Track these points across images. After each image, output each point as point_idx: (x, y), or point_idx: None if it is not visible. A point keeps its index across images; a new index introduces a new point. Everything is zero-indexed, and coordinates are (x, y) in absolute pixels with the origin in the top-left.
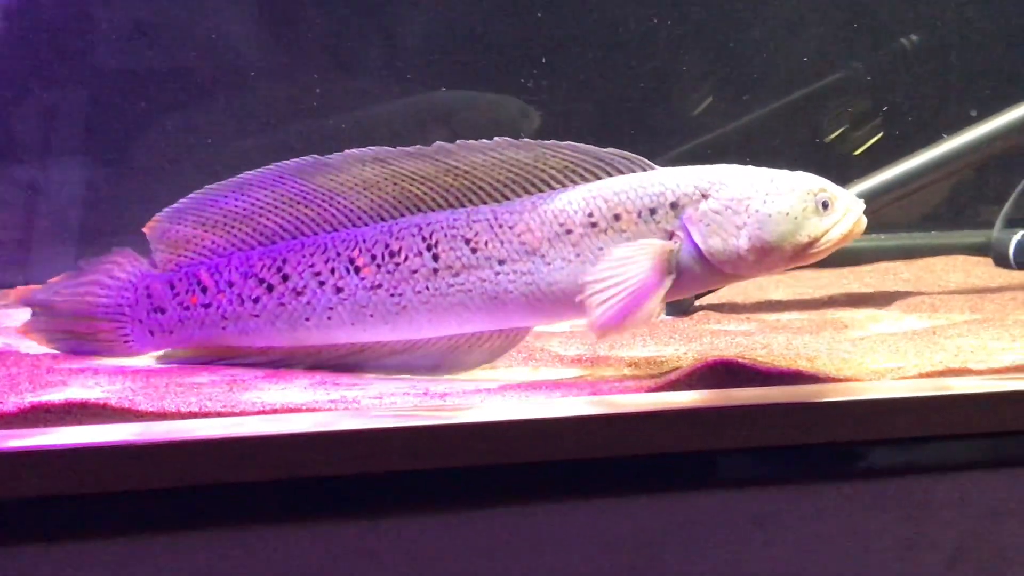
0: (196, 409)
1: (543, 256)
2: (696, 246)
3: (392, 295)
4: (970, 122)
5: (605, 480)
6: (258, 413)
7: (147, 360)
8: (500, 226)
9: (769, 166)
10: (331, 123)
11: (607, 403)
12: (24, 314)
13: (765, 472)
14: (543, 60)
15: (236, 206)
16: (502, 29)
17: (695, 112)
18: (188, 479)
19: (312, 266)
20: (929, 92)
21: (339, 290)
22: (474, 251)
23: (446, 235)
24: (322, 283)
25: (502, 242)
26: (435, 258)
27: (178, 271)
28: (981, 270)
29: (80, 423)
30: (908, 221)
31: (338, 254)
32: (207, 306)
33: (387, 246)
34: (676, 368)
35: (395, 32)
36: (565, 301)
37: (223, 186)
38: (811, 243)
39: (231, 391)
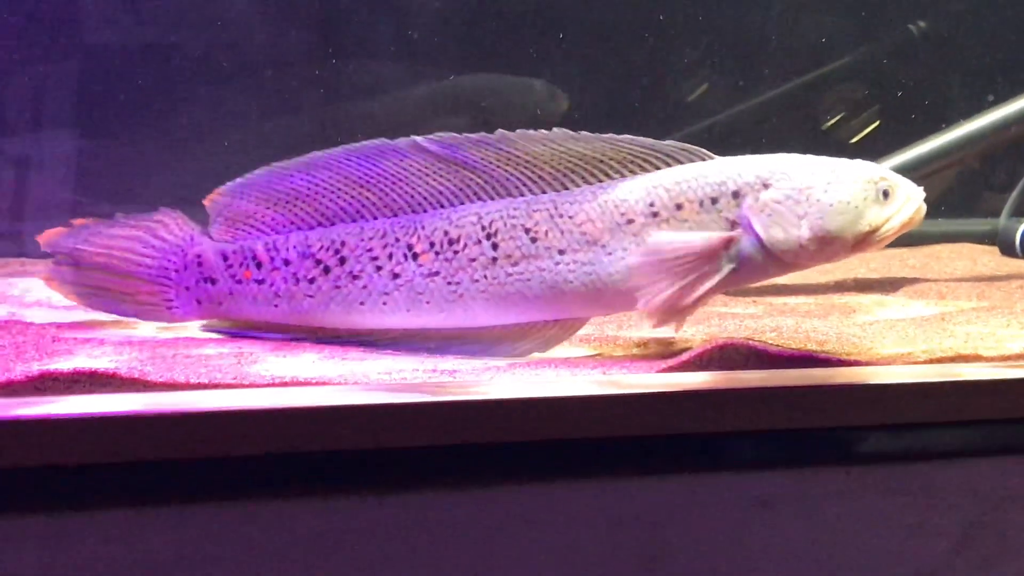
0: (205, 381)
1: (604, 246)
2: (757, 236)
3: (449, 283)
4: (981, 107)
5: (613, 460)
6: (267, 386)
7: (151, 330)
8: (560, 216)
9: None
10: (354, 109)
11: (616, 383)
12: (29, 282)
13: (773, 455)
14: (532, 47)
15: (300, 185)
16: (489, 14)
17: (690, 98)
18: (197, 451)
19: (370, 250)
20: (937, 79)
21: (396, 276)
22: (534, 240)
23: (506, 224)
24: (379, 268)
25: (562, 232)
26: (494, 247)
27: (232, 243)
28: (987, 258)
29: (89, 392)
30: None
31: (397, 240)
32: (261, 282)
33: (446, 233)
34: (686, 349)
35: (413, 15)
36: (626, 291)
37: (289, 164)
38: (872, 232)
39: (239, 363)
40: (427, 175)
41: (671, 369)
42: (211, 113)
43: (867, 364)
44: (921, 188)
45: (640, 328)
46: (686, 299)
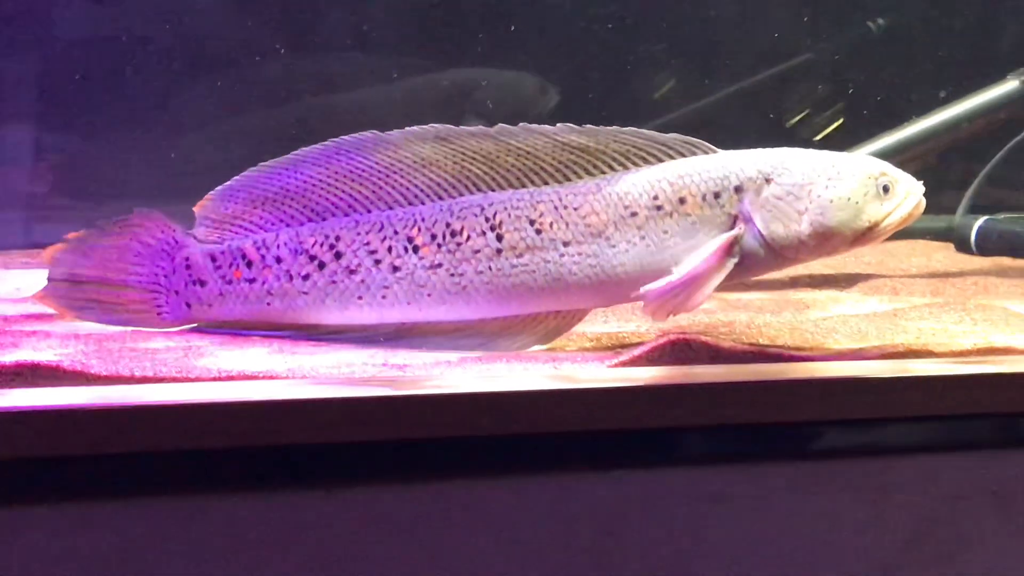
0: (150, 374)
1: (608, 239)
2: (759, 230)
3: (452, 275)
4: (939, 104)
5: (564, 455)
6: (213, 380)
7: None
8: (565, 207)
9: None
10: (337, 102)
11: (567, 378)
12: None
13: (725, 450)
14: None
15: (288, 183)
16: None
17: (656, 95)
18: (140, 445)
19: (367, 244)
20: (895, 76)
21: (396, 269)
22: (539, 232)
23: (510, 215)
24: (378, 261)
25: (567, 224)
26: (499, 238)
27: (220, 243)
28: (942, 255)
29: (31, 385)
30: None
31: (395, 232)
32: (252, 281)
33: (448, 225)
34: (638, 344)
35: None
36: (629, 283)
37: (277, 162)
38: (872, 227)
39: (186, 357)
40: (422, 167)
41: (623, 364)
42: (171, 107)
43: (818, 359)
44: (921, 183)
45: (593, 323)
46: (691, 300)
